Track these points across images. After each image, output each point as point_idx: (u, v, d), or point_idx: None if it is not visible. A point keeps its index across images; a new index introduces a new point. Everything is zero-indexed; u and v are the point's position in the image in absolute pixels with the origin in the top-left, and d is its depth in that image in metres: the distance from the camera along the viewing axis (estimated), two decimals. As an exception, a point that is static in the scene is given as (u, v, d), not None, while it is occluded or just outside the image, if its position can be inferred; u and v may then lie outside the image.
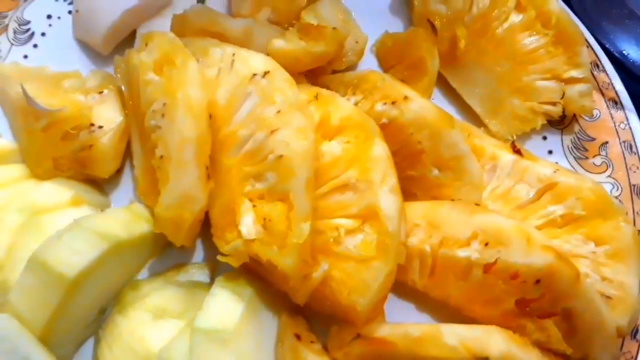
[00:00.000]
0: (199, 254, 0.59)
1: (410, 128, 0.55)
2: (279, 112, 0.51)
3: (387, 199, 0.50)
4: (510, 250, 0.49)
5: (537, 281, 0.48)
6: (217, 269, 0.58)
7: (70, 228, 0.50)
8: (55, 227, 0.53)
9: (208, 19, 0.58)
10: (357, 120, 0.55)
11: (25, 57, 0.64)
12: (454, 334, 0.47)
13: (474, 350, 0.46)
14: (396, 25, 0.67)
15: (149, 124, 0.53)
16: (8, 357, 0.46)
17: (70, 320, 0.51)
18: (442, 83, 0.63)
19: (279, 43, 0.57)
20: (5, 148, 0.60)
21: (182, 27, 0.60)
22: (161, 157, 0.50)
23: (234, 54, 0.56)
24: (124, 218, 0.53)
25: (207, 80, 0.55)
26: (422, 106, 0.55)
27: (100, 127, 0.57)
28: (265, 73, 0.53)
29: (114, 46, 0.64)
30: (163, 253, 0.58)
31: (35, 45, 0.64)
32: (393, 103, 0.56)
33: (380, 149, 0.52)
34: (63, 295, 0.48)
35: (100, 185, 0.61)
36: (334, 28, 0.58)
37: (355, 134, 0.54)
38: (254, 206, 0.51)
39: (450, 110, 0.63)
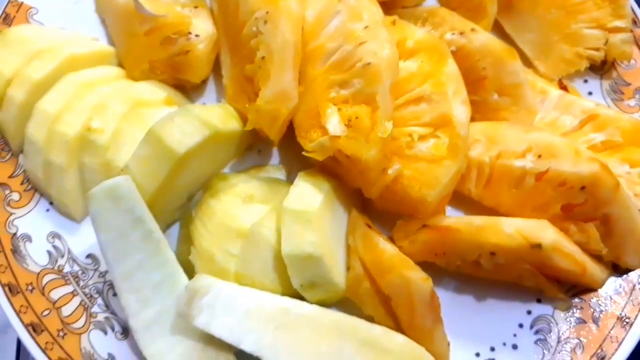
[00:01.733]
0: (274, 159, 0.66)
1: (477, 55, 0.62)
2: (366, 27, 0.58)
3: (459, 108, 0.57)
4: (560, 160, 0.57)
5: (582, 188, 0.56)
6: (291, 171, 0.64)
7: (181, 113, 0.56)
8: (155, 119, 0.59)
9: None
10: (431, 43, 0.62)
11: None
12: (512, 224, 0.55)
13: (530, 237, 0.54)
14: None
15: (249, 31, 0.59)
16: (125, 215, 0.53)
17: (170, 195, 0.58)
18: (496, 28, 0.71)
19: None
20: (105, 50, 0.66)
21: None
22: (263, 58, 0.57)
23: (323, -23, 0.63)
24: (220, 113, 0.60)
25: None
26: (488, 37, 0.62)
27: (197, 35, 0.63)
28: (354, -6, 0.60)
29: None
30: (243, 156, 0.65)
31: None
32: (461, 33, 0.63)
33: (453, 67, 0.59)
34: (170, 169, 0.55)
35: (187, 91, 0.67)
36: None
37: (429, 55, 0.61)
38: (339, 109, 0.58)
39: (503, 52, 0.71)
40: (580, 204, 0.57)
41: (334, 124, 0.57)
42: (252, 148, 0.65)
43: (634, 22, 0.70)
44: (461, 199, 0.63)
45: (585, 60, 0.67)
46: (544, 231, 0.55)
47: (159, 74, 0.64)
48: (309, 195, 0.57)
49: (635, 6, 0.72)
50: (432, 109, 0.58)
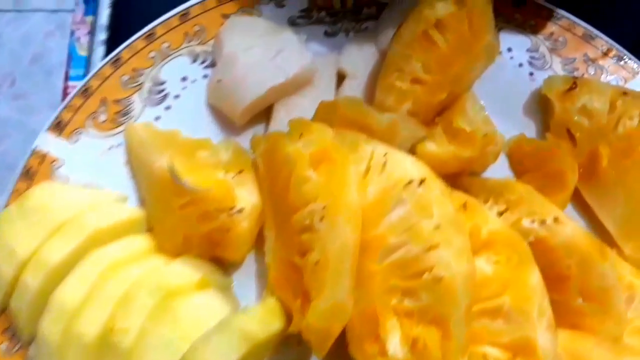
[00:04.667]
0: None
1: (560, 251, 0.53)
2: (437, 227, 0.50)
3: (545, 335, 0.48)
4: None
5: None
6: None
7: (219, 329, 0.48)
8: (187, 313, 0.53)
9: (358, 111, 0.57)
10: (508, 238, 0.53)
11: (157, 118, 0.62)
12: None
13: None
14: (529, 128, 0.65)
15: (301, 221, 0.52)
16: None
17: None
18: (575, 195, 0.62)
19: (431, 146, 0.56)
20: (134, 216, 0.58)
21: (328, 115, 0.58)
22: (316, 263, 0.49)
23: (386, 154, 0.55)
24: (260, 316, 0.51)
25: (357, 177, 0.54)
26: (575, 231, 0.53)
27: (241, 210, 0.56)
28: (422, 181, 0.52)
29: (249, 117, 0.63)
30: (280, 348, 0.57)
31: (167, 107, 0.63)
32: (542, 222, 0.55)
33: (536, 278, 0.51)
34: (204, 398, 0.47)
35: (224, 265, 0.59)
36: (484, 135, 0.58)
37: (507, 254, 0.53)
38: (401, 324, 0.50)
39: (580, 224, 0.62)
40: None
41: (395, 345, 0.48)
42: (291, 338, 0.56)
43: None
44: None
45: (681, 248, 0.60)
46: None
47: (194, 248, 0.57)
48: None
49: None
50: (512, 329, 0.50)
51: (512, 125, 0.66)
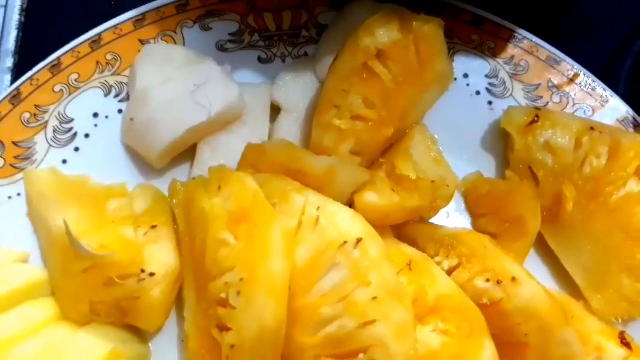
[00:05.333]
0: None
1: (518, 318, 0.47)
2: (374, 298, 0.43)
3: (497, 423, 0.43)
4: None
5: None
6: None
7: None
8: None
9: (289, 155, 0.50)
10: (458, 304, 0.47)
11: (64, 162, 0.55)
12: None
13: None
14: (488, 163, 0.59)
15: (216, 292, 0.44)
16: None
17: None
18: (537, 239, 0.56)
19: (371, 197, 0.49)
20: (35, 279, 0.50)
21: (256, 159, 0.51)
22: (232, 346, 0.42)
23: (318, 208, 0.47)
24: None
25: (286, 233, 0.47)
26: (534, 294, 0.47)
27: (152, 274, 0.48)
28: (358, 241, 0.45)
29: (168, 161, 0.55)
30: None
31: (76, 149, 0.55)
32: (498, 283, 0.49)
33: (489, 353, 0.45)
34: None
35: (140, 330, 0.53)
36: (432, 182, 0.51)
37: (457, 322, 0.46)
38: (336, 405, 0.43)
39: (544, 272, 0.56)
40: None
41: None
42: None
43: None
44: None
45: (653, 302, 0.54)
46: None
47: (102, 316, 0.49)
48: None
49: None
50: (462, 414, 0.44)
51: (469, 160, 0.59)
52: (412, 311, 0.43)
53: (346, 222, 0.47)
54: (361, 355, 0.42)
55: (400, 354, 0.41)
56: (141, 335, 0.52)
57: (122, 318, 0.49)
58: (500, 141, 0.60)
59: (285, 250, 0.44)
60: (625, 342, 0.51)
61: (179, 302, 0.52)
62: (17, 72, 0.63)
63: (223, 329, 0.44)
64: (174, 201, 0.52)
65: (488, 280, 0.48)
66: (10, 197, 0.53)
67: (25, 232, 0.53)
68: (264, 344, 0.41)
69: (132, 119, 0.53)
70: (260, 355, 0.41)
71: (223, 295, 0.43)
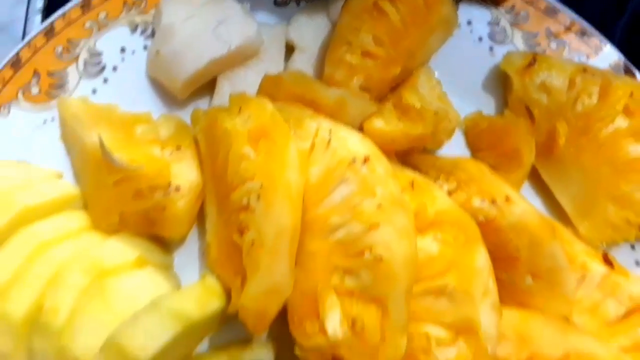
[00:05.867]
0: (262, 330, 0.56)
1: (510, 233, 0.52)
2: (379, 206, 0.47)
3: (488, 316, 0.47)
4: (604, 381, 0.48)
5: (630, 418, 0.47)
6: (280, 349, 0.54)
7: (148, 310, 0.46)
8: (120, 292, 0.50)
9: (303, 85, 0.54)
10: (456, 217, 0.51)
11: (94, 91, 0.59)
12: None
13: None
14: (488, 105, 0.63)
15: (238, 199, 0.49)
16: None
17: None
18: (532, 173, 0.60)
19: (378, 123, 0.54)
20: (68, 193, 0.56)
21: (273, 88, 0.56)
22: (252, 243, 0.47)
23: (330, 131, 0.52)
24: (197, 295, 0.49)
25: (300, 154, 0.52)
26: (525, 211, 0.51)
27: (177, 188, 0.53)
28: (366, 159, 0.50)
29: (191, 91, 0.60)
30: (225, 324, 0.55)
31: (105, 80, 0.60)
32: (492, 201, 0.53)
33: (483, 258, 0.49)
34: (133, 382, 0.45)
35: (165, 242, 0.57)
36: (435, 112, 0.55)
37: (454, 233, 0.50)
38: (341, 302, 0.48)
39: (537, 202, 0.61)
40: None
41: (334, 324, 0.47)
42: (235, 318, 0.55)
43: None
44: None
45: (635, 228, 0.57)
46: None
47: (130, 226, 0.54)
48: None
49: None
50: (455, 309, 0.48)
51: (470, 101, 0.64)
52: (413, 218, 0.48)
53: (355, 143, 0.51)
54: (367, 254, 0.47)
55: (401, 251, 0.45)
56: (165, 247, 0.57)
57: (149, 228, 0.54)
58: (499, 84, 0.64)
59: (299, 164, 0.49)
60: (607, 261, 0.55)
61: (199, 218, 0.57)
62: (47, 13, 0.67)
63: (243, 232, 0.49)
64: (196, 127, 0.57)
65: (483, 200, 0.53)
66: (45, 122, 0.58)
67: (58, 153, 0.58)
68: (281, 241, 0.46)
69: (157, 52, 0.58)
70: (276, 252, 0.46)
71: (244, 201, 0.48)
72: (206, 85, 0.61)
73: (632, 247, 0.58)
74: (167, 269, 0.56)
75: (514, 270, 0.53)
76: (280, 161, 0.48)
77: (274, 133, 0.50)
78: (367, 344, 0.45)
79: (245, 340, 0.55)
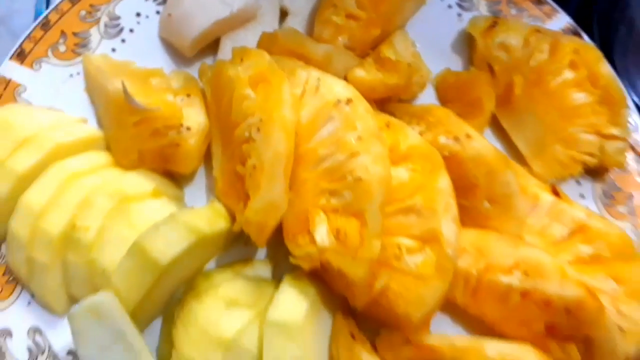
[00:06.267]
0: (261, 252, 0.65)
1: (470, 164, 0.61)
2: (359, 138, 0.57)
3: (449, 226, 0.57)
4: (546, 281, 0.57)
5: (567, 310, 0.56)
6: (277, 266, 0.64)
7: (166, 221, 0.55)
8: (141, 215, 0.60)
9: (296, 41, 0.63)
10: (424, 151, 0.61)
11: (113, 50, 0.69)
12: (495, 348, 0.55)
13: (511, 365, 0.54)
14: (456, 63, 0.73)
15: (241, 134, 0.58)
16: (106, 331, 0.52)
17: (154, 301, 0.57)
18: (493, 122, 0.70)
19: (360, 73, 0.63)
20: (93, 135, 0.65)
21: (269, 44, 0.65)
22: (254, 167, 0.56)
23: (319, 79, 0.61)
24: (207, 214, 0.59)
25: (293, 98, 0.61)
26: (483, 145, 0.61)
27: (188, 128, 0.62)
28: (349, 100, 0.59)
29: (198, 49, 0.69)
30: (230, 247, 0.65)
31: (123, 40, 0.69)
32: (456, 138, 0.62)
33: (445, 182, 0.58)
34: (155, 279, 0.54)
35: (176, 179, 0.66)
36: (408, 64, 0.64)
37: (422, 163, 0.60)
38: (327, 218, 0.57)
39: (498, 146, 0.70)
40: (564, 325, 0.57)
41: (322, 234, 0.56)
42: (239, 240, 0.64)
43: (630, 124, 0.70)
44: (446, 302, 0.62)
45: (579, 164, 0.67)
46: (526, 358, 0.55)
47: (147, 163, 0.63)
48: (293, 304, 0.57)
49: (633, 107, 0.71)
50: (422, 223, 0.58)
51: (441, 61, 0.73)
52: (387, 148, 0.57)
53: (340, 88, 0.60)
54: (349, 177, 0.56)
55: (377, 173, 0.54)
56: (177, 183, 0.66)
57: (164, 164, 0.63)
58: (466, 45, 0.74)
59: (293, 103, 0.58)
60: (555, 192, 0.65)
61: (206, 159, 0.66)
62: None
63: (245, 161, 0.58)
64: (203, 79, 0.66)
65: (448, 138, 0.62)
66: (71, 75, 0.67)
67: (83, 103, 0.67)
68: (278, 165, 0.55)
69: (169, 15, 0.67)
70: (274, 174, 0.55)
71: (246, 134, 0.57)
72: (211, 45, 0.70)
73: (578, 182, 0.68)
74: (179, 200, 0.65)
75: (474, 197, 0.63)
76: (277, 100, 0.57)
77: (271, 77, 0.59)
78: (349, 248, 0.54)
79: (247, 260, 0.65)
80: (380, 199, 0.56)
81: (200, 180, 0.66)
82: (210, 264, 0.64)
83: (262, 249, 0.65)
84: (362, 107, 0.60)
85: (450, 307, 0.63)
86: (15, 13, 0.75)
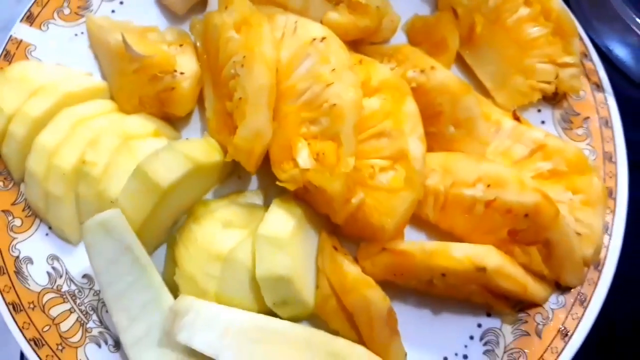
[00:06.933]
0: (253, 184, 0.72)
1: (434, 92, 0.68)
2: (333, 70, 0.64)
3: (415, 144, 0.63)
4: (506, 190, 0.63)
5: (526, 215, 0.62)
6: (267, 195, 0.71)
7: (165, 149, 0.62)
8: (143, 151, 0.66)
9: (275, -8, 0.70)
10: (393, 82, 0.68)
11: (113, 11, 0.76)
12: (461, 249, 0.61)
13: (475, 262, 0.60)
14: (423, 9, 0.80)
15: (228, 72, 0.65)
16: (116, 244, 0.59)
17: (157, 222, 0.64)
18: (459, 60, 0.77)
19: (333, 16, 0.70)
20: (98, 85, 0.72)
21: (251, -4, 0.72)
22: (240, 99, 0.63)
23: (296, 22, 0.68)
24: (203, 147, 0.66)
25: (273, 40, 0.67)
26: (446, 75, 0.68)
27: (182, 73, 0.69)
28: (323, 38, 0.66)
29: (188, 8, 0.76)
30: (225, 181, 0.72)
31: (121, 2, 0.77)
32: (422, 71, 0.69)
33: (411, 106, 0.65)
34: (156, 201, 0.61)
35: (174, 122, 0.74)
36: (377, 7, 0.71)
37: (391, 93, 0.67)
38: (308, 144, 0.64)
39: (464, 83, 0.77)
40: (524, 229, 0.64)
41: (304, 157, 0.63)
42: (233, 174, 0.71)
43: (585, 55, 0.77)
44: (421, 221, 0.69)
45: (538, 92, 0.73)
46: (488, 256, 0.61)
47: (148, 107, 0.70)
48: (281, 221, 0.64)
49: (586, 39, 0.77)
50: (391, 144, 0.64)
51: (410, 7, 0.80)
52: (359, 78, 0.64)
53: (315, 29, 0.67)
54: (325, 105, 0.62)
55: (349, 98, 0.61)
56: (175, 126, 0.73)
57: (162, 108, 0.71)
58: (433, -6, 0.81)
59: (272, 41, 0.64)
60: (516, 117, 0.71)
61: (200, 105, 0.73)
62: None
63: (232, 96, 0.65)
64: (194, 32, 0.73)
65: (415, 71, 0.69)
66: (76, 35, 0.75)
67: (87, 59, 0.75)
68: (261, 96, 0.62)
69: (161, -24, 0.74)
70: (258, 103, 0.62)
71: (232, 72, 0.64)
72: (200, 4, 0.77)
73: (539, 110, 0.75)
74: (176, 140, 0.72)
75: (440, 123, 0.69)
76: (258, 39, 0.64)
77: (252, 20, 0.65)
78: (327, 166, 0.61)
79: (240, 191, 0.72)
80: (353, 121, 0.62)
81: (195, 123, 0.73)
82: (208, 196, 0.71)
83: (254, 183, 0.72)
84: (336, 43, 0.67)
85: (423, 225, 0.69)
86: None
